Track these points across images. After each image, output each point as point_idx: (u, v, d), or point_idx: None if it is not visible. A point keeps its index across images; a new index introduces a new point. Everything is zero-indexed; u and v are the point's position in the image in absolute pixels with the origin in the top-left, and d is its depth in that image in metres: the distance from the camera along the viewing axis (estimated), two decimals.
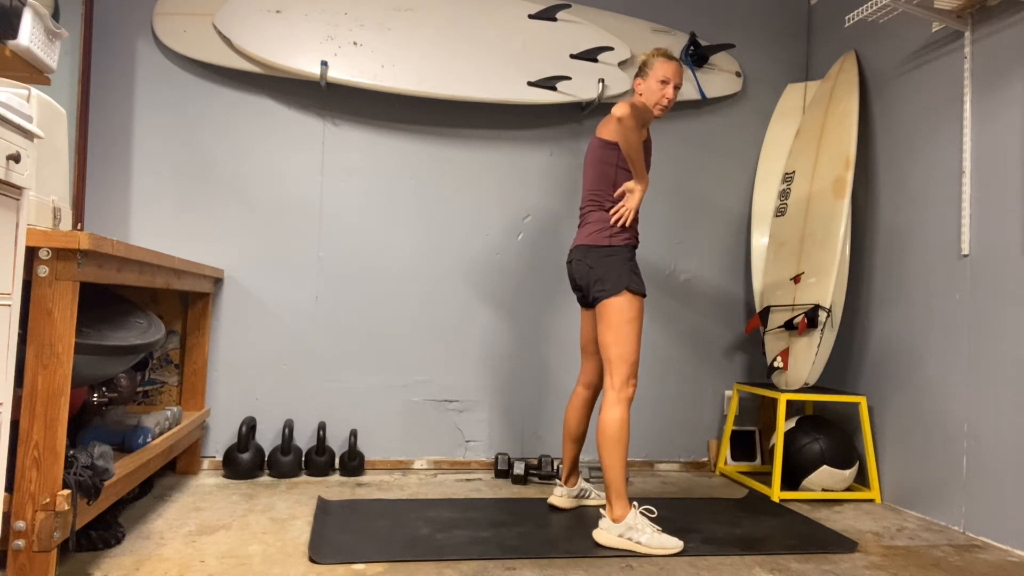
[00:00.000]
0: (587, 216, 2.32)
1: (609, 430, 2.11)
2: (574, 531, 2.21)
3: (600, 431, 2.13)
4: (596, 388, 2.47)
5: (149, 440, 2.14)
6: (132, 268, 1.87)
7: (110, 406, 2.29)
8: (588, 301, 2.31)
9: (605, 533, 2.08)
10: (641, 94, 2.32)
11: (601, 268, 2.21)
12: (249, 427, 2.77)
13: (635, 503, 2.14)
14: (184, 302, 2.86)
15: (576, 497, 2.49)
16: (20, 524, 1.50)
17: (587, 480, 2.84)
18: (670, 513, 2.45)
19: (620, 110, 2.06)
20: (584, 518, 2.36)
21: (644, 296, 2.21)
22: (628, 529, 2.06)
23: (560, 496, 2.47)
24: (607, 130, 2.30)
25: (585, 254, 2.27)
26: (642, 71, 2.33)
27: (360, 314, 3.02)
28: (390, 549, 1.96)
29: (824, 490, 2.76)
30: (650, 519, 2.32)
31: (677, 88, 2.30)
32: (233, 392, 2.92)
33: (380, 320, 3.04)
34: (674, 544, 2.04)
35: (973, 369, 2.40)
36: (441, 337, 3.09)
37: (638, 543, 2.04)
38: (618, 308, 2.17)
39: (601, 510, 2.35)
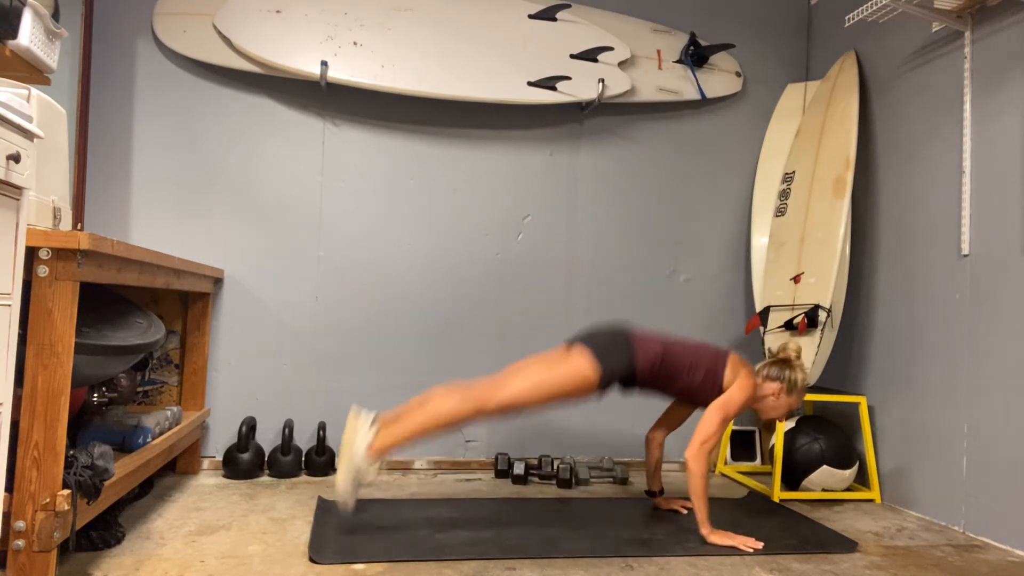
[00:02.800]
0: (653, 338, 2.27)
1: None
2: (574, 531, 2.21)
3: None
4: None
5: (149, 440, 2.14)
6: (132, 268, 1.87)
7: (110, 406, 2.29)
8: (574, 341, 2.31)
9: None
10: (775, 396, 2.31)
11: (615, 345, 2.19)
12: (249, 427, 2.77)
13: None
14: (184, 302, 2.86)
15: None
16: (20, 524, 1.50)
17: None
18: (670, 513, 2.45)
19: (705, 439, 2.15)
20: (584, 518, 2.36)
21: (600, 387, 2.18)
22: None
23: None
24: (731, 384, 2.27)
25: (622, 331, 2.26)
26: (791, 384, 2.30)
27: (360, 314, 3.02)
28: (390, 549, 1.96)
29: (824, 490, 2.76)
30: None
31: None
32: (233, 392, 2.92)
33: (380, 320, 3.04)
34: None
35: (973, 369, 2.40)
36: (441, 337, 3.09)
37: None
38: (575, 366, 2.14)
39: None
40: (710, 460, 2.16)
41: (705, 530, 2.13)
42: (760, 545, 2.10)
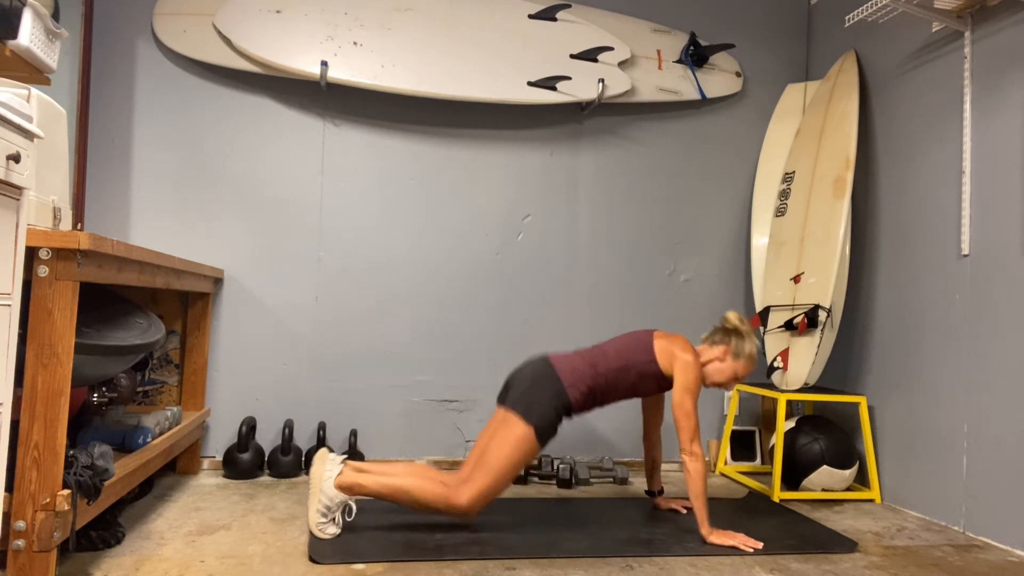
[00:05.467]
0: (580, 361, 2.24)
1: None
2: (574, 531, 2.21)
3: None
4: None
5: (149, 440, 2.14)
6: (132, 268, 1.87)
7: (110, 406, 2.29)
8: (504, 399, 2.24)
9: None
10: (720, 359, 2.31)
11: (538, 392, 2.16)
12: (249, 427, 2.77)
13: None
14: (184, 302, 2.86)
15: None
16: (20, 524, 1.50)
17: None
18: (670, 513, 2.45)
19: (688, 427, 2.16)
20: (584, 518, 2.36)
21: (541, 442, 2.15)
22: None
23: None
24: (670, 365, 2.25)
25: (543, 370, 2.21)
26: (737, 348, 2.30)
27: (360, 314, 3.02)
28: (390, 549, 1.96)
29: (824, 490, 2.76)
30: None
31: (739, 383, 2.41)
32: (233, 392, 2.92)
33: (380, 320, 3.04)
34: None
35: (973, 369, 2.40)
36: (441, 337, 3.09)
37: None
38: (514, 438, 2.11)
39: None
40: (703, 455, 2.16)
41: (705, 530, 2.13)
42: (760, 545, 2.10)
